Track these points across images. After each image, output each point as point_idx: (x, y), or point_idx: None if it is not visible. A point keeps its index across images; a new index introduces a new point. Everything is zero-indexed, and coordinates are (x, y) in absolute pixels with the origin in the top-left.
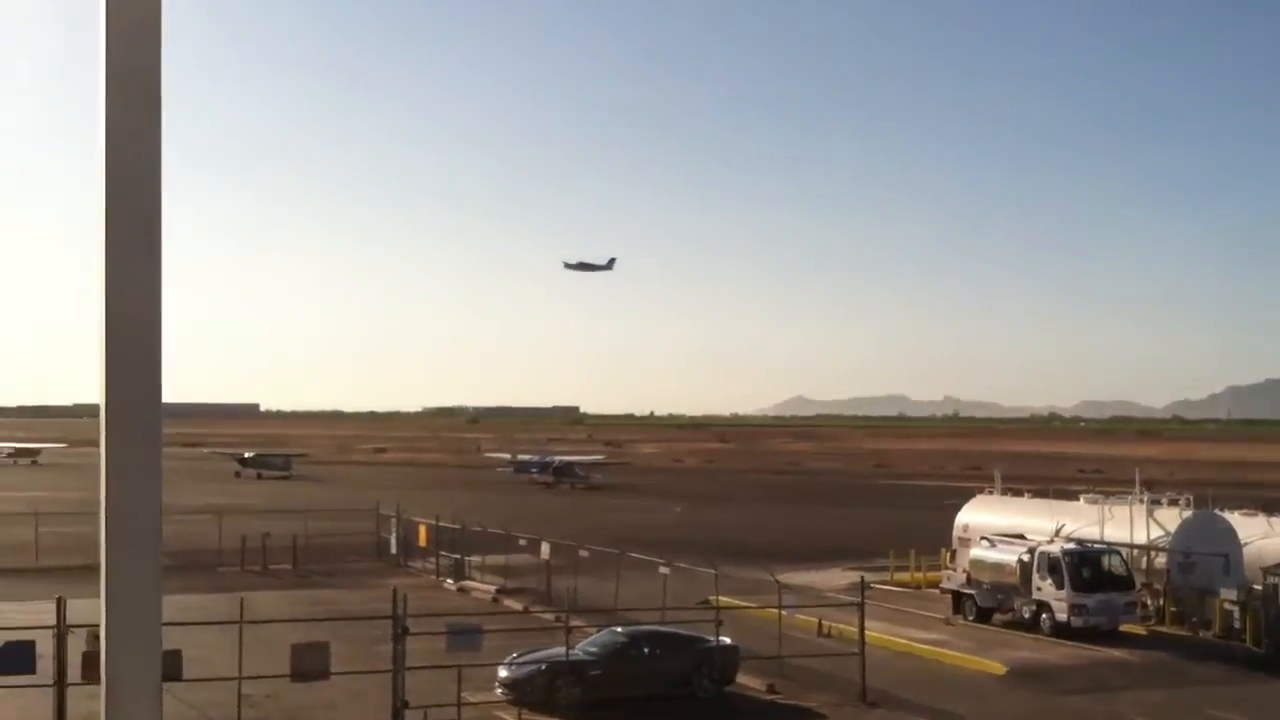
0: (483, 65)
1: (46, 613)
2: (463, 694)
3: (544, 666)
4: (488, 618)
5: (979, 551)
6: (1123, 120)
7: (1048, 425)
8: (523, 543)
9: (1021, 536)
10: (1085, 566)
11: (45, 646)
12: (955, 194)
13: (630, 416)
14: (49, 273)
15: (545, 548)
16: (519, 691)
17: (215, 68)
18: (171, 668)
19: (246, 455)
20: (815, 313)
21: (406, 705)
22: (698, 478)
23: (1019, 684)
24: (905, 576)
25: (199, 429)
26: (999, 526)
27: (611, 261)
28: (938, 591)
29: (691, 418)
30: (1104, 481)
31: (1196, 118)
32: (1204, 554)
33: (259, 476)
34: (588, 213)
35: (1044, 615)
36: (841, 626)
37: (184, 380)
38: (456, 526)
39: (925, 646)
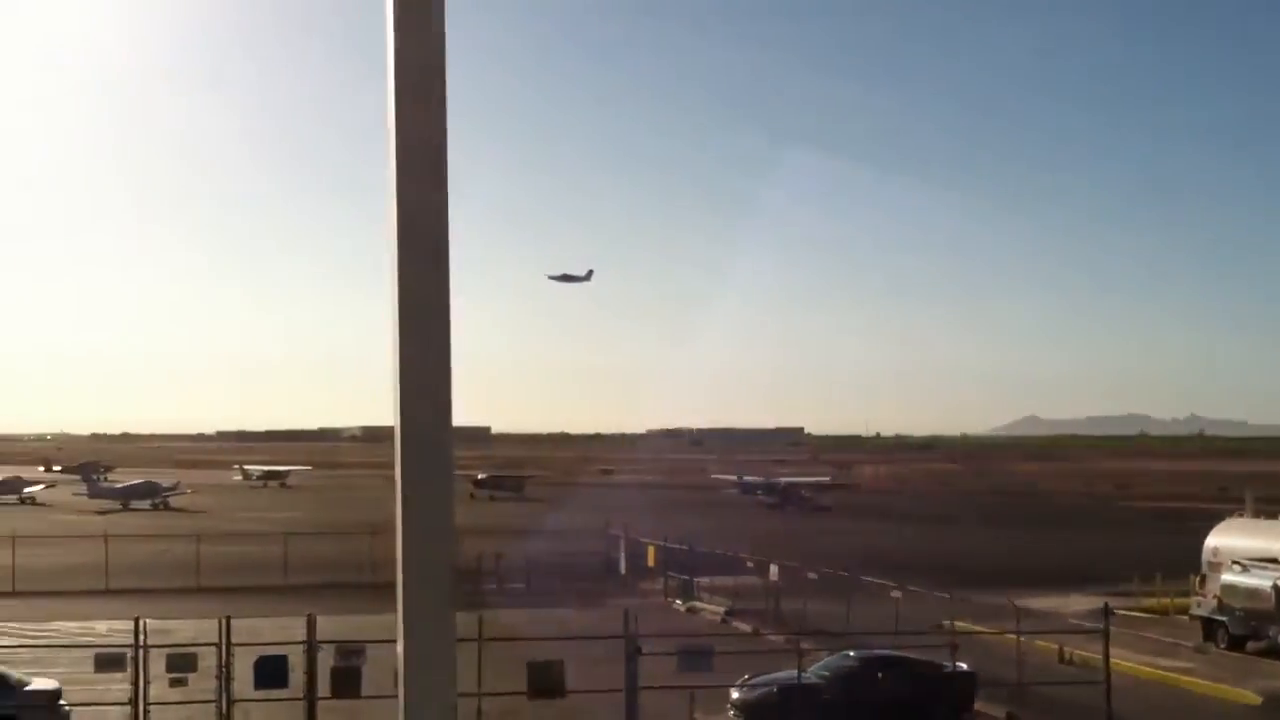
0: None
1: (296, 628)
2: (695, 715)
3: (776, 689)
4: (717, 639)
5: (1231, 577)
6: None
7: None
8: (750, 565)
9: (1276, 561)
10: None
11: (296, 661)
12: (1197, 202)
13: (856, 438)
14: (302, 301)
15: (774, 570)
16: (751, 714)
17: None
18: None
19: (480, 477)
20: (1046, 329)
21: None
22: (927, 500)
23: (1275, 715)
24: (1151, 602)
25: None
26: (1251, 551)
27: (590, 273)
28: (1186, 618)
29: (919, 438)
30: None
31: None
32: None
33: (492, 498)
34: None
35: None
36: (1084, 653)
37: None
38: (684, 548)
39: (1174, 675)
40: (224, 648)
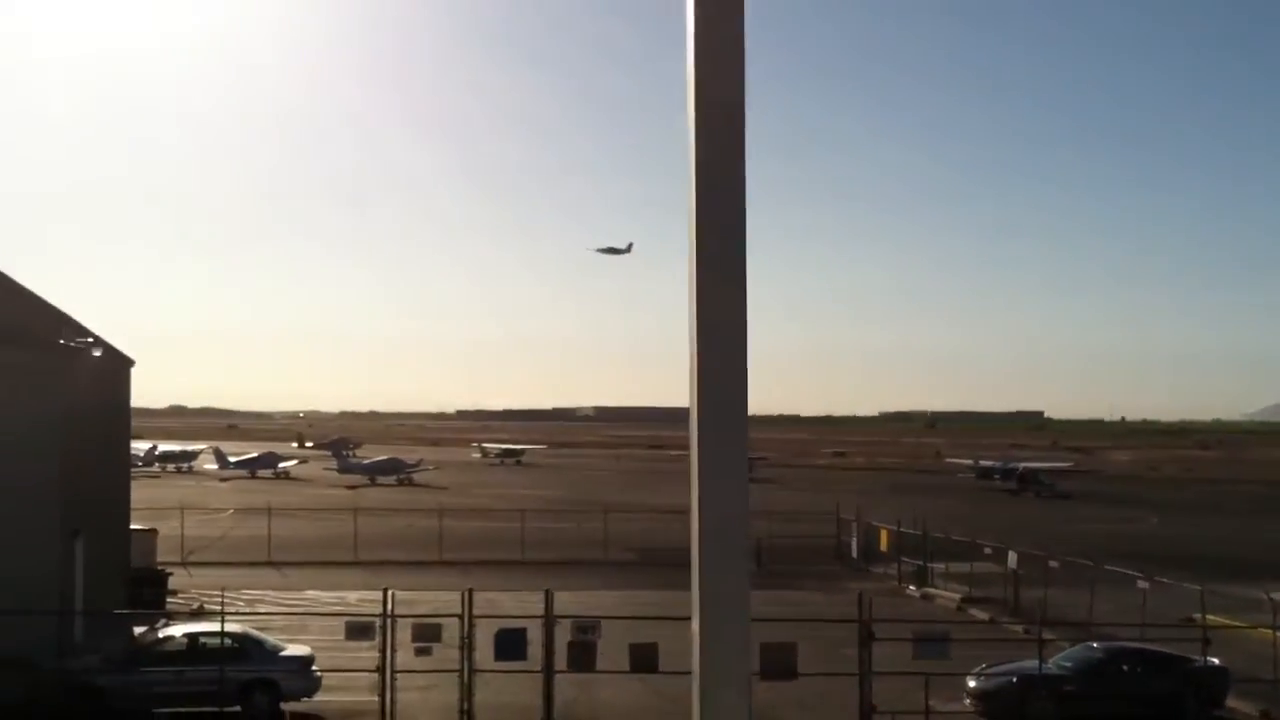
0: None
1: (534, 602)
2: (930, 702)
3: (1015, 679)
4: (954, 626)
5: None
6: None
7: None
8: (988, 551)
9: None
10: None
11: (533, 634)
12: None
13: (1099, 422)
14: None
15: (1012, 557)
16: (989, 703)
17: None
18: (648, 660)
19: None
20: None
21: (874, 710)
22: (1176, 487)
23: None
24: None
25: (671, 432)
26: None
27: (630, 246)
28: None
29: (1167, 424)
30: None
31: None
32: None
33: None
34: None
35: None
36: None
37: (659, 384)
38: (918, 533)
39: None
40: (466, 619)
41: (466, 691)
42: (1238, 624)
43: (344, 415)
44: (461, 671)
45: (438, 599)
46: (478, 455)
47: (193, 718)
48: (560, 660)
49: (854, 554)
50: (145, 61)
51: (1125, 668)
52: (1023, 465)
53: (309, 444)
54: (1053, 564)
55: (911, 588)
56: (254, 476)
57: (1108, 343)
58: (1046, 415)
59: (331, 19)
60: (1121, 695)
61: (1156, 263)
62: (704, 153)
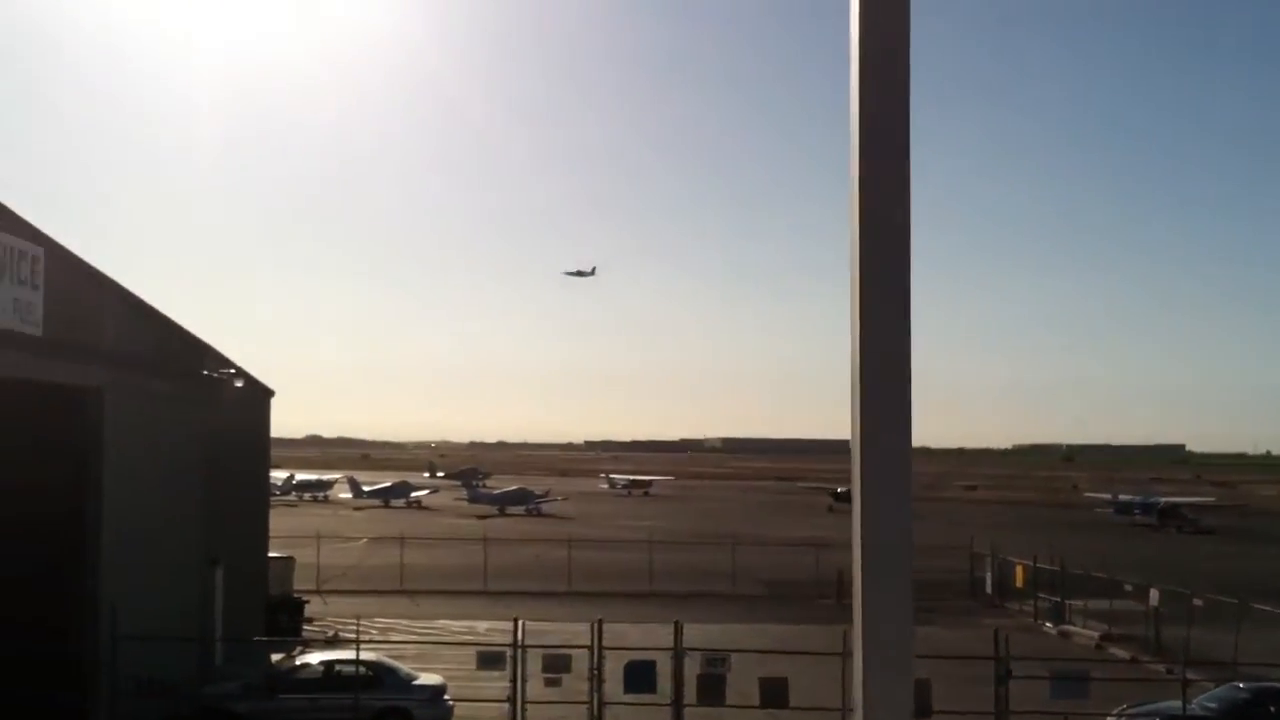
0: None
1: (663, 635)
2: None
3: None
4: (1092, 665)
5: None
6: None
7: None
8: (1128, 588)
9: None
10: None
11: (663, 667)
12: None
13: (1242, 456)
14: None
15: (1153, 594)
16: None
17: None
18: (778, 695)
19: (840, 490)
20: None
21: None
22: None
23: None
24: None
25: (798, 464)
26: None
27: (594, 269)
28: None
29: None
30: None
31: None
32: None
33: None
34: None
35: None
36: None
37: (786, 415)
38: (1055, 568)
39: None
40: (596, 651)
41: None
42: None
43: (474, 446)
44: (591, 703)
45: (567, 630)
46: (605, 486)
47: None
48: (690, 693)
49: (988, 589)
50: (290, 90)
51: (1273, 709)
52: (1164, 500)
53: (440, 474)
54: (1197, 602)
55: (1048, 625)
56: (387, 506)
57: (1251, 375)
58: (1188, 449)
59: (503, 59)
60: None
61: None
62: (867, 169)
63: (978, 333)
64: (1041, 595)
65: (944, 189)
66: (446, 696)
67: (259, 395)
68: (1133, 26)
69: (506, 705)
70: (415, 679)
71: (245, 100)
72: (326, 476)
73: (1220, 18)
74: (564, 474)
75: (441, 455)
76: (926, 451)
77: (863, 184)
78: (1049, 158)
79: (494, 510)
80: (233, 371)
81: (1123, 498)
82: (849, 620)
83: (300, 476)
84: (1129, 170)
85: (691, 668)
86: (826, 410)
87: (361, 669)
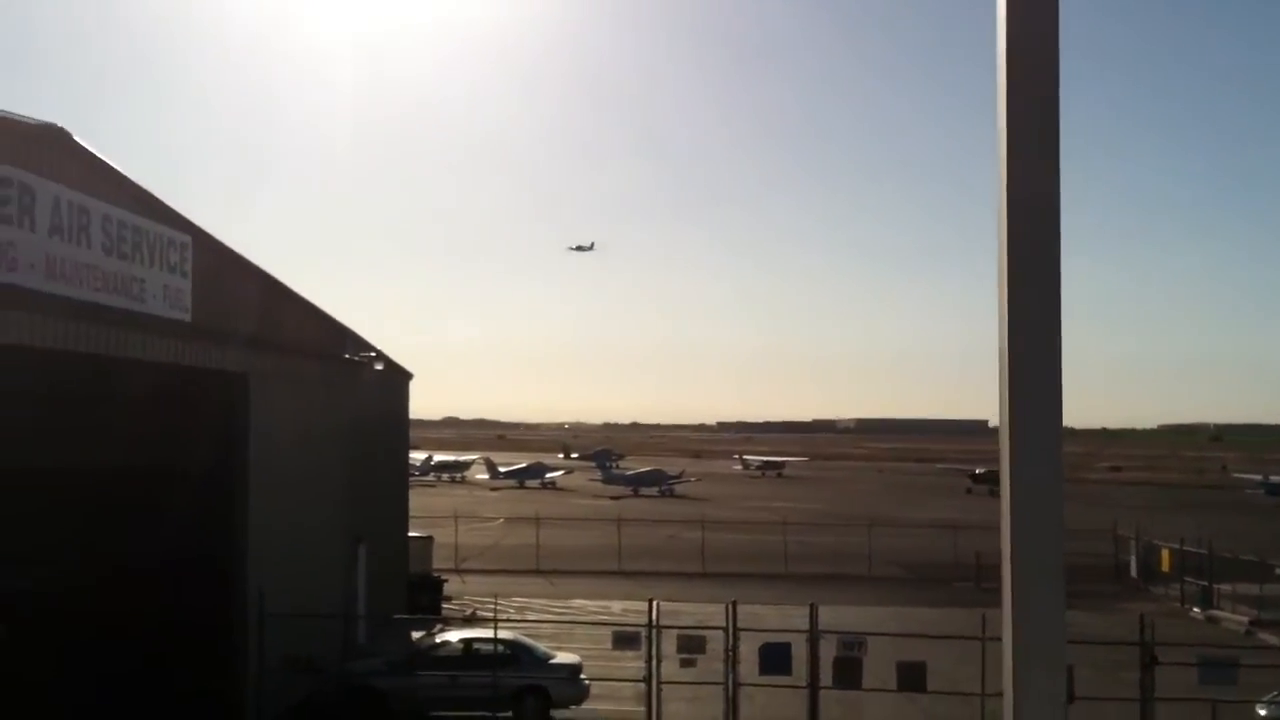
0: None
1: (798, 617)
2: None
3: None
4: (1242, 651)
5: None
6: None
7: None
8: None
9: None
10: None
11: (798, 649)
12: None
13: None
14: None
15: None
16: None
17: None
18: (915, 679)
19: (978, 471)
20: None
21: None
22: None
23: None
24: None
25: (934, 445)
26: None
27: (592, 244)
28: None
29: None
30: None
31: None
32: None
33: (991, 493)
34: None
35: None
36: None
37: (921, 396)
38: (1202, 551)
39: None
40: (730, 632)
41: (731, 705)
42: None
43: (607, 427)
44: (726, 684)
45: (701, 611)
46: (739, 467)
47: None
48: (825, 676)
49: (1133, 573)
50: (417, 78)
51: None
52: None
53: (574, 455)
54: None
55: (1195, 610)
56: (522, 486)
57: None
58: None
59: (643, 37)
60: None
61: None
62: (1015, 146)
63: (1122, 309)
64: (1188, 579)
65: (1087, 163)
66: (583, 675)
67: (398, 377)
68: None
69: (642, 685)
70: (552, 658)
71: (377, 87)
72: (463, 458)
73: None
74: (697, 455)
75: (575, 436)
76: (1070, 431)
77: (1010, 160)
78: (1187, 133)
79: (628, 491)
80: (373, 355)
81: (1274, 478)
82: (988, 604)
83: (438, 457)
84: (1272, 140)
85: (827, 650)
86: (962, 390)
87: (499, 647)
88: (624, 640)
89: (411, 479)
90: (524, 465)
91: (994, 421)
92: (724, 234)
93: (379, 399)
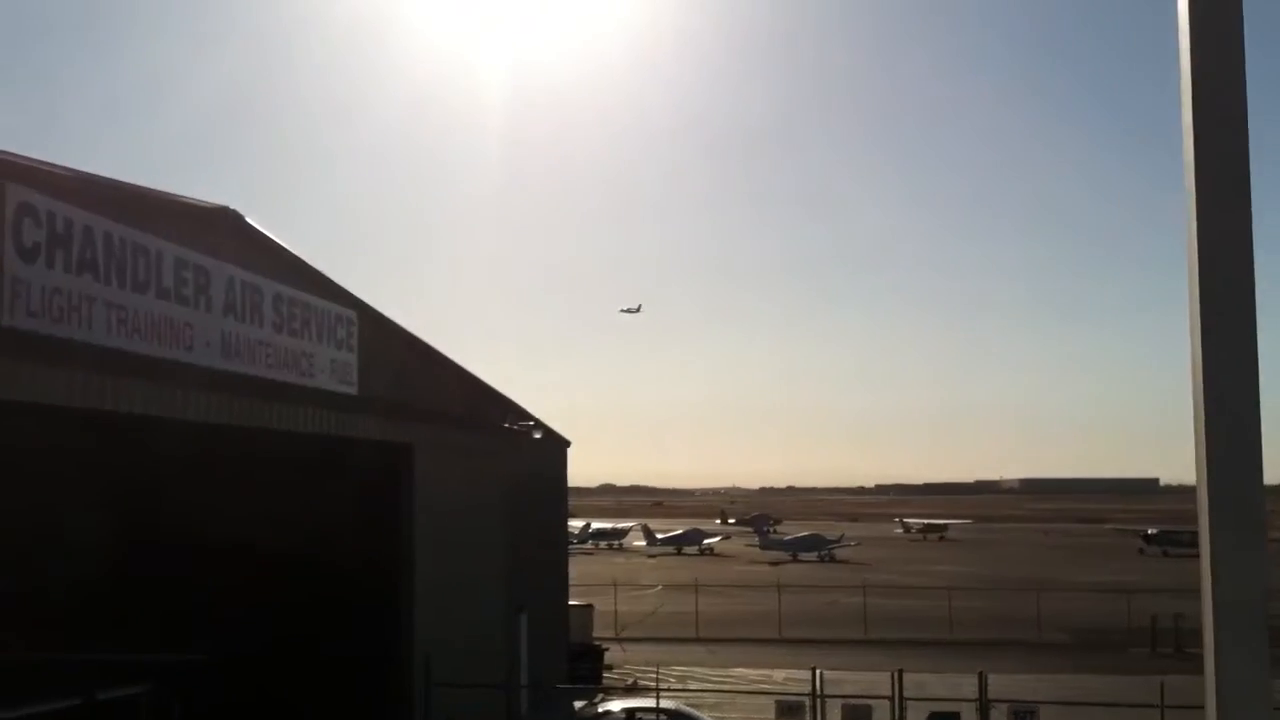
0: None
1: (965, 685)
2: None
3: None
4: None
5: None
6: None
7: None
8: None
9: None
10: None
11: (967, 718)
12: None
13: None
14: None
15: None
16: None
17: None
18: None
19: (1150, 531)
20: None
21: None
22: None
23: None
24: None
25: (1101, 504)
26: None
27: (639, 306)
28: None
29: None
30: None
31: None
32: None
33: (1164, 554)
34: None
35: None
36: None
37: (1087, 455)
38: None
39: None
40: (897, 701)
41: None
42: None
43: (764, 491)
44: None
45: (865, 679)
46: (899, 531)
47: None
48: None
49: None
50: (561, 148)
51: None
52: None
53: (731, 520)
54: None
55: None
56: (679, 553)
57: None
58: None
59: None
60: None
61: None
62: (1204, 189)
63: None
64: None
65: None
66: None
67: (556, 445)
68: None
69: None
70: None
71: (526, 155)
72: (620, 525)
73: None
74: (855, 519)
75: (731, 501)
76: (1272, 489)
77: (1200, 206)
78: None
79: (786, 556)
80: (531, 423)
81: None
82: (1165, 670)
83: (596, 525)
84: None
85: (999, 719)
86: (1130, 448)
87: (662, 717)
88: (788, 710)
89: (569, 547)
90: (681, 531)
91: (1165, 479)
92: (879, 295)
93: (538, 467)
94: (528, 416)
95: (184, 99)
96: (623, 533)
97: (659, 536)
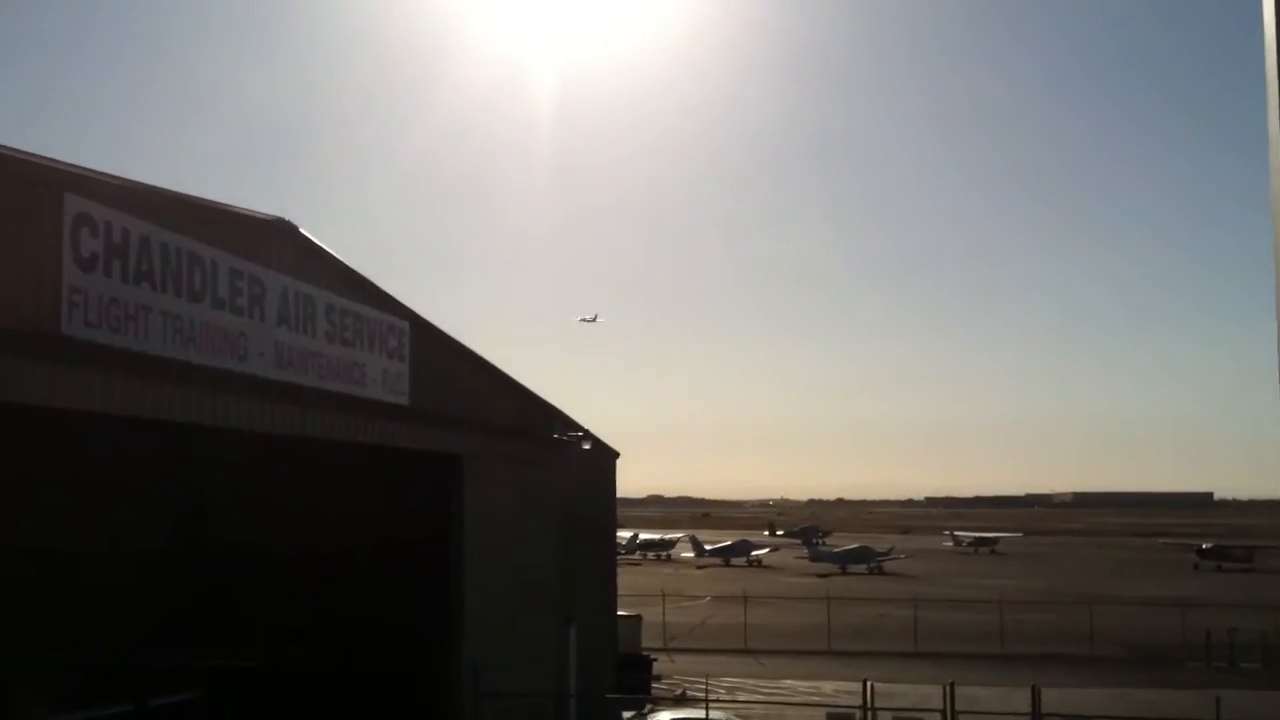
0: None
1: (1017, 699)
2: None
3: None
4: None
5: None
6: None
7: None
8: None
9: None
10: None
11: None
12: None
13: None
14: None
15: None
16: None
17: None
18: None
19: (1205, 546)
20: None
21: None
22: None
23: None
24: None
25: (1154, 519)
26: None
27: (595, 316)
28: None
29: None
30: None
31: None
32: None
33: (1218, 568)
34: None
35: None
36: None
37: (1140, 468)
38: None
39: None
40: (949, 714)
41: None
42: None
43: (812, 503)
44: None
45: (916, 692)
46: (950, 543)
47: None
48: None
49: None
50: (610, 162)
51: None
52: None
53: (780, 532)
54: None
55: None
56: (728, 564)
57: None
58: None
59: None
60: None
61: None
62: None
63: None
64: None
65: None
66: None
67: (605, 456)
68: None
69: None
70: None
71: (576, 169)
72: (669, 536)
73: None
74: (906, 531)
75: (780, 513)
76: None
77: None
78: None
79: (836, 569)
80: (580, 434)
81: None
82: (1222, 684)
83: (644, 535)
84: None
85: None
86: (1185, 461)
87: None
88: None
89: (618, 557)
90: (729, 543)
91: (1220, 493)
92: (928, 306)
93: (587, 478)
94: (576, 427)
95: (249, 108)
96: (671, 544)
97: (707, 548)
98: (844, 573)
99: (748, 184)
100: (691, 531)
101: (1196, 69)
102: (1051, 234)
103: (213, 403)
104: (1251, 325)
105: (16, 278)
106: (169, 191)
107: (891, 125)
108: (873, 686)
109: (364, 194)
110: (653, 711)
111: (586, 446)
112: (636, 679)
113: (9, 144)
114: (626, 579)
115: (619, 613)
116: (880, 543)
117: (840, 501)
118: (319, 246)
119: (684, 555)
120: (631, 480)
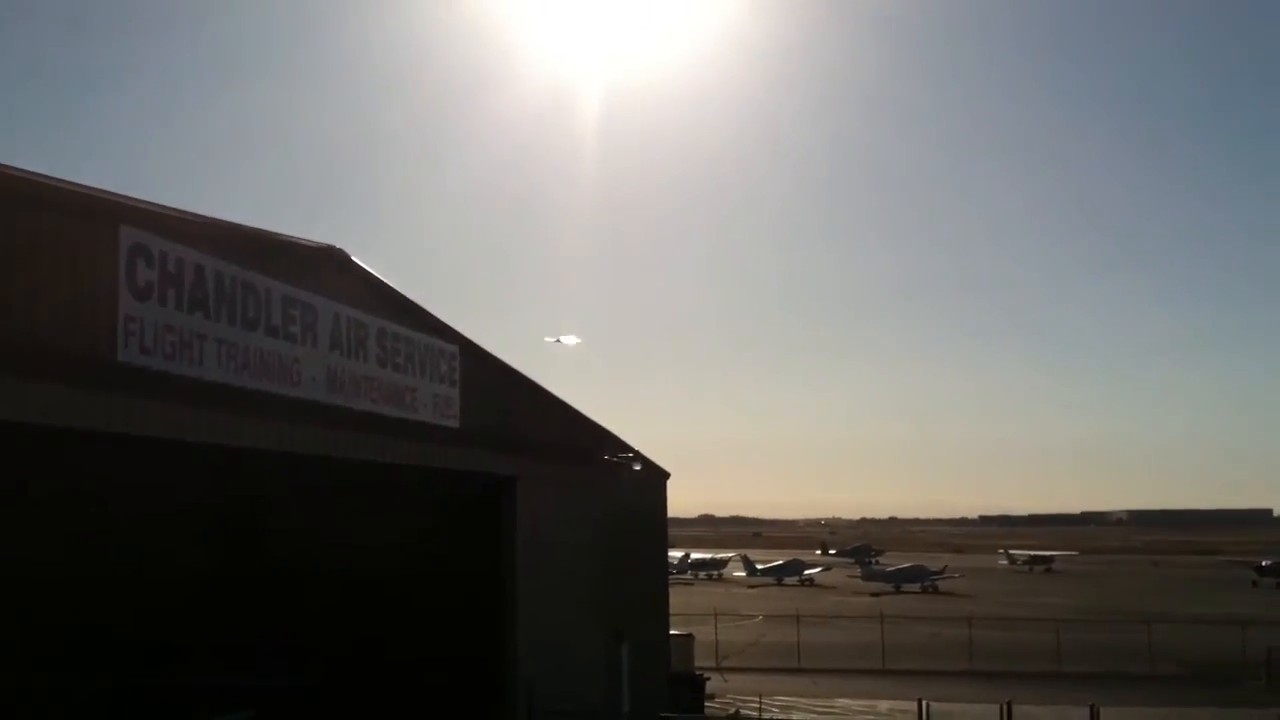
0: None
1: (1075, 717)
2: None
3: None
4: None
5: None
6: None
7: None
8: None
9: None
10: None
11: None
12: None
13: None
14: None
15: None
16: None
17: None
18: None
19: (1264, 564)
20: None
21: None
22: None
23: None
24: None
25: (1212, 536)
26: None
27: (558, 339)
28: None
29: None
30: None
31: None
32: None
33: (1278, 585)
34: None
35: None
36: None
37: (1198, 485)
38: None
39: None
40: None
41: None
42: None
43: (864, 522)
44: None
45: (972, 711)
46: (1004, 562)
47: None
48: None
49: None
50: (658, 184)
51: None
52: None
53: (832, 551)
54: None
55: None
56: (780, 584)
57: None
58: None
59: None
60: None
61: None
62: None
63: None
64: None
65: None
66: None
67: (656, 477)
68: None
69: None
70: None
71: (624, 189)
72: (720, 555)
73: None
74: (959, 550)
75: (832, 532)
76: None
77: None
78: None
79: (889, 588)
80: (631, 455)
81: None
82: (1276, 705)
83: (695, 555)
84: None
85: None
86: (1243, 478)
87: None
88: None
89: (670, 577)
90: (781, 562)
91: (1279, 510)
92: (984, 326)
93: (638, 499)
94: (627, 448)
95: (304, 139)
96: (722, 563)
97: (759, 567)
98: (897, 592)
99: (800, 203)
100: (743, 551)
101: (1262, 86)
102: (1105, 254)
103: (265, 427)
104: None
105: (74, 307)
106: (223, 222)
107: (946, 149)
108: (929, 705)
109: (416, 219)
110: None
111: (637, 468)
112: (689, 698)
113: (68, 178)
114: (679, 598)
115: (671, 632)
116: (933, 562)
117: (893, 520)
118: (370, 273)
119: (735, 574)
120: (683, 500)
